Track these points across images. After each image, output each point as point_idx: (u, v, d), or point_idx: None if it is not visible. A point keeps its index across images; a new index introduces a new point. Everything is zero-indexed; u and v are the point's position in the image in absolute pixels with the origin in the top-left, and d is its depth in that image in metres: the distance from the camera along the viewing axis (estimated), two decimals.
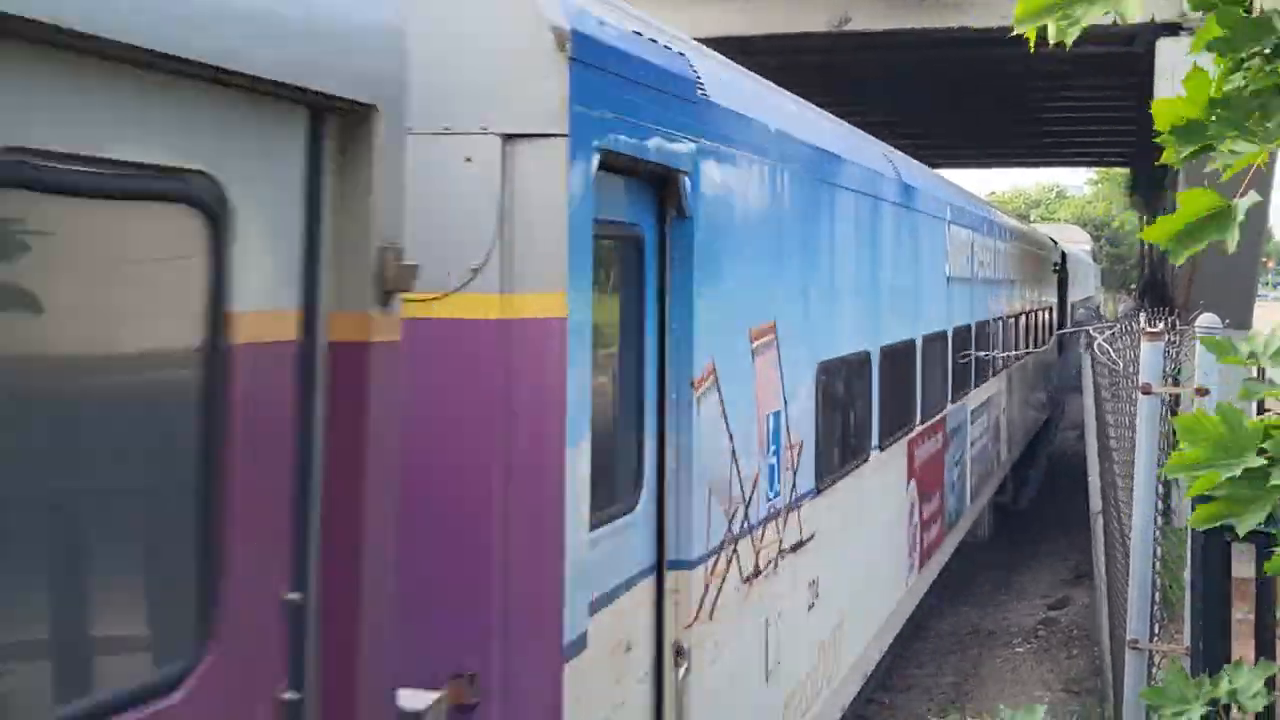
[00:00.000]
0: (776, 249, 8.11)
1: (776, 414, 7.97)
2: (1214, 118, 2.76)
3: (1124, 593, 7.64)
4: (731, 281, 7.14)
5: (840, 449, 10.04)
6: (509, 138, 4.94)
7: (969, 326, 17.22)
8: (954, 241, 15.89)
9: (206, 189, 3.11)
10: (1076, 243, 57.97)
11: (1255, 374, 3.54)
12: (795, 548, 8.46)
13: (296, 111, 3.45)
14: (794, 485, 8.40)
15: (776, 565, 8.01)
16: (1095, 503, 15.50)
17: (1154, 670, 6.56)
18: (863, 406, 10.85)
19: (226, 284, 3.17)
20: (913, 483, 13.20)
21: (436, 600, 4.92)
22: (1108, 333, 13.39)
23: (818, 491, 9.05)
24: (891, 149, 13.62)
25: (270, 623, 3.38)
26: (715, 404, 6.79)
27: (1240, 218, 2.72)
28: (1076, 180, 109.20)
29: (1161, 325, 7.24)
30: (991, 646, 16.85)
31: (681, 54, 6.69)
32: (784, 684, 8.29)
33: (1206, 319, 6.12)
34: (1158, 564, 6.94)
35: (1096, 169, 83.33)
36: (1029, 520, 24.18)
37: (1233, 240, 2.75)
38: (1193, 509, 2.92)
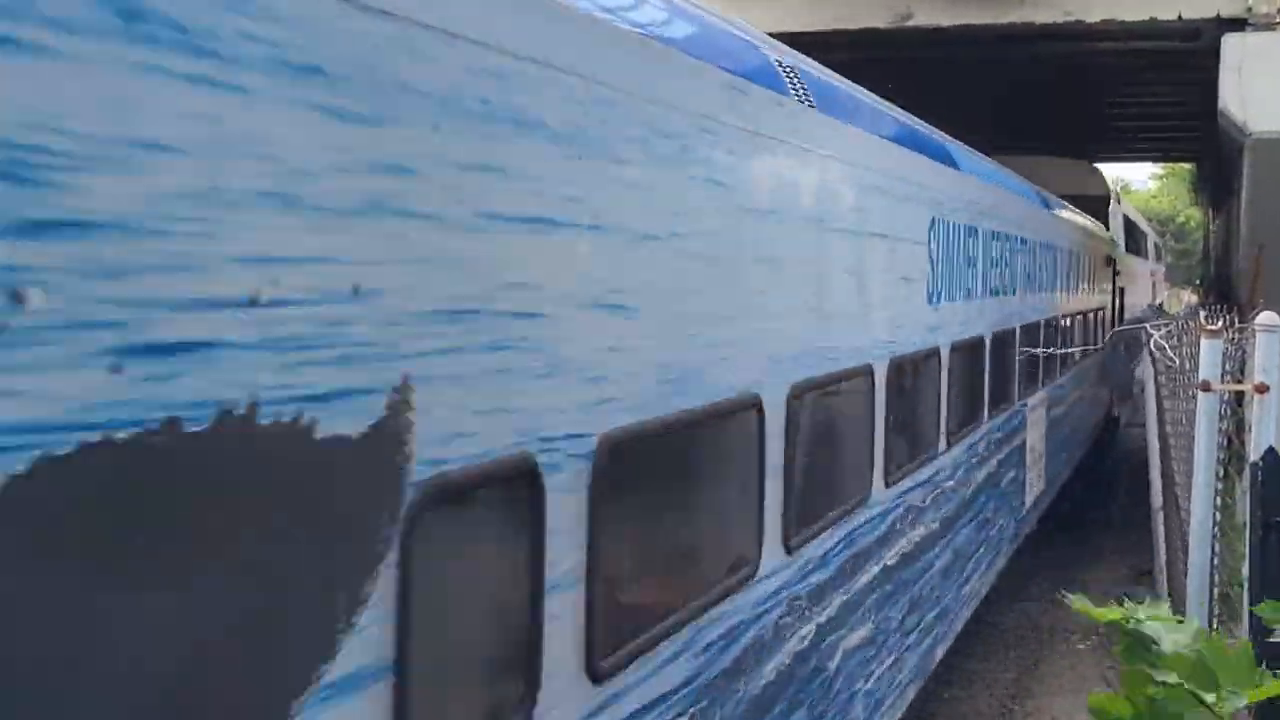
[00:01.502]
0: None
1: None
2: None
3: (1184, 589, 7.66)
4: None
5: None
6: None
7: None
8: None
9: None
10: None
11: None
12: None
13: None
14: None
15: None
16: (1157, 498, 15.47)
17: None
18: None
19: None
20: None
21: None
22: (1165, 330, 13.35)
23: None
24: None
25: None
26: None
27: None
28: (1141, 175, 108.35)
29: (1220, 323, 7.27)
30: (1052, 643, 16.83)
31: None
32: None
33: (1266, 316, 6.15)
34: (1216, 559, 6.98)
35: (1161, 164, 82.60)
36: (1090, 518, 24.07)
37: None
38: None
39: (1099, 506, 24.88)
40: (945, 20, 20.69)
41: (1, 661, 2.53)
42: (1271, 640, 3.34)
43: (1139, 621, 2.41)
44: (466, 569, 4.18)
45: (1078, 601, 2.47)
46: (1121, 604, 2.66)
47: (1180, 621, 2.50)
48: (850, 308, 7.67)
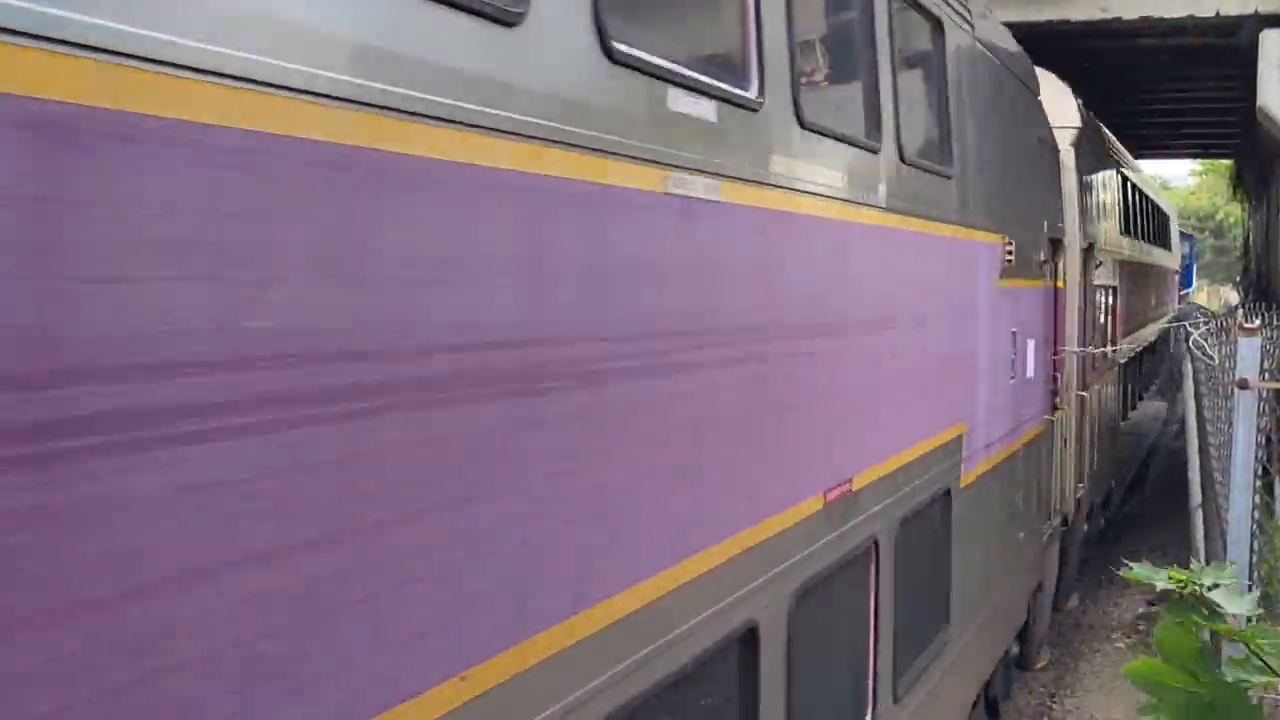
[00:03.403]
0: None
1: None
2: None
3: None
4: None
5: None
6: None
7: None
8: None
9: None
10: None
11: None
12: None
13: None
14: None
15: None
16: (1195, 496, 15.40)
17: None
18: None
19: None
20: None
21: None
22: (1204, 328, 13.29)
23: None
24: None
25: None
26: None
27: None
28: (1180, 172, 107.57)
29: (1259, 320, 7.26)
30: (1091, 640, 16.79)
31: None
32: None
33: None
34: (1255, 558, 6.97)
35: (1200, 160, 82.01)
36: (1131, 516, 23.99)
37: None
38: None
39: (1137, 503, 24.81)
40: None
41: None
42: None
43: (1201, 588, 2.33)
44: None
45: (1138, 570, 2.35)
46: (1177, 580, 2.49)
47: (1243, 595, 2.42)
48: None
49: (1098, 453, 19.13)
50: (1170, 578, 2.35)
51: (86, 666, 2.65)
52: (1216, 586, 2.36)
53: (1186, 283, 47.49)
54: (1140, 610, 18.17)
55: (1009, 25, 20.53)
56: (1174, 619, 2.29)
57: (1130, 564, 2.47)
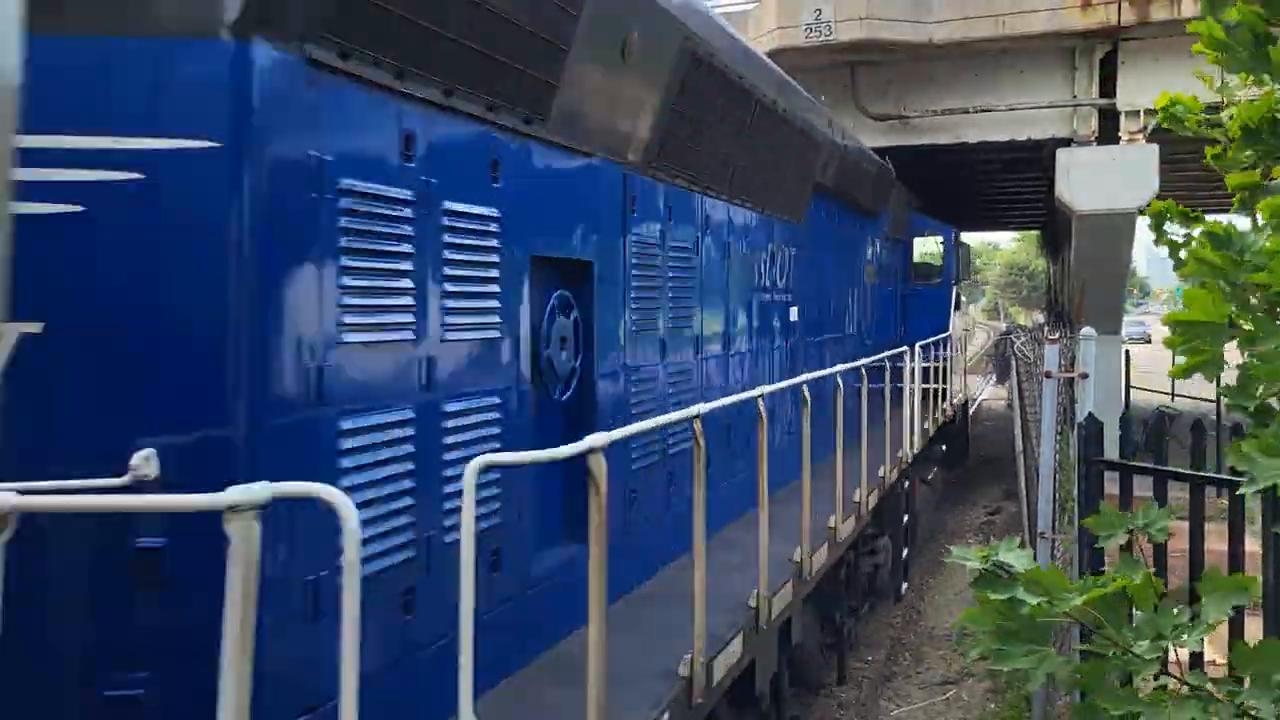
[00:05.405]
0: None
1: None
2: None
3: (1036, 504, 7.58)
4: None
5: None
6: None
7: None
8: None
9: None
10: None
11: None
12: None
13: None
14: None
15: None
16: (1019, 445, 15.26)
17: (1054, 551, 6.52)
18: None
19: None
20: None
21: None
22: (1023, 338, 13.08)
23: None
24: None
25: None
26: None
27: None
28: (1006, 239, 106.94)
29: (1057, 334, 7.19)
30: (950, 539, 16.65)
31: None
32: None
33: (1086, 330, 6.08)
34: (1057, 487, 6.90)
35: (1019, 230, 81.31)
36: (976, 460, 23.75)
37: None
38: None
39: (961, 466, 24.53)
40: (878, 143, 20.46)
41: None
42: (1096, 546, 3.26)
43: (997, 557, 2.26)
44: None
45: (956, 552, 2.29)
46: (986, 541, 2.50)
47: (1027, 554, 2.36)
48: None
49: None
50: (977, 555, 2.28)
51: None
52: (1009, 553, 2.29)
53: (936, 321, 19.38)
54: (984, 518, 18.01)
55: (891, 149, 20.40)
56: (982, 590, 2.21)
57: (950, 548, 2.41)
